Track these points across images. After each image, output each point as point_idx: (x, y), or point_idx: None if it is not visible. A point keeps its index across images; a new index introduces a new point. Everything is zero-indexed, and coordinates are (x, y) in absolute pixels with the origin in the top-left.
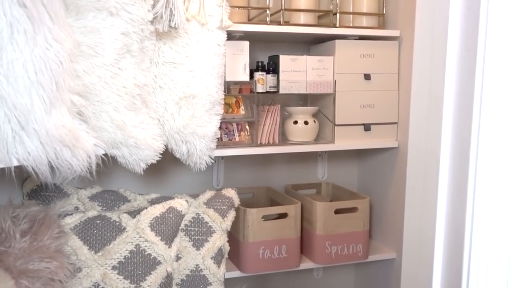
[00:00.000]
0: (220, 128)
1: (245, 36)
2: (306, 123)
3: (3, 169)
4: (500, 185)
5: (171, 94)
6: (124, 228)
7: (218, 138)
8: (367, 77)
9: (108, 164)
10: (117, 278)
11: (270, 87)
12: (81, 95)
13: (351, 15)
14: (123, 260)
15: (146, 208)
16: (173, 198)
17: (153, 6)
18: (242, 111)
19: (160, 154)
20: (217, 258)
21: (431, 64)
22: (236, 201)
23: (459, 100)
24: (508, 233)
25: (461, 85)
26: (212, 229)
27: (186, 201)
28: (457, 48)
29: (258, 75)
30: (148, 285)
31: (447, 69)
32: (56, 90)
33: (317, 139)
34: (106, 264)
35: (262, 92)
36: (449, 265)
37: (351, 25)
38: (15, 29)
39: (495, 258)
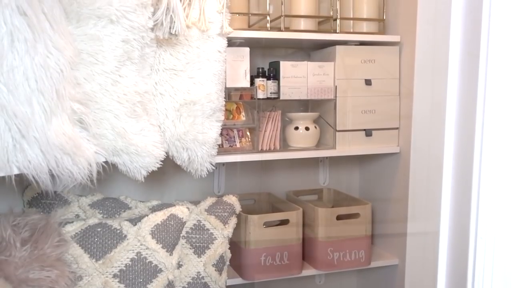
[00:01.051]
0: (221, 134)
1: (245, 42)
2: (307, 129)
3: (3, 177)
4: (505, 190)
5: (172, 101)
6: (125, 236)
7: (219, 145)
8: (368, 82)
9: (109, 172)
10: (118, 287)
11: (271, 93)
12: (81, 103)
13: (351, 21)
14: (124, 268)
15: (147, 215)
16: (174, 205)
17: (154, 13)
18: (243, 117)
19: (161, 161)
20: (219, 265)
21: (433, 69)
22: (238, 207)
23: (462, 105)
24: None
25: (464, 90)
26: (213, 236)
27: (187, 208)
28: (459, 53)
29: (258, 81)
30: None
31: (449, 74)
32: (57, 98)
33: (318, 145)
34: (107, 272)
35: (263, 98)
36: (453, 272)
37: (352, 30)
38: (15, 37)
39: (500, 264)
